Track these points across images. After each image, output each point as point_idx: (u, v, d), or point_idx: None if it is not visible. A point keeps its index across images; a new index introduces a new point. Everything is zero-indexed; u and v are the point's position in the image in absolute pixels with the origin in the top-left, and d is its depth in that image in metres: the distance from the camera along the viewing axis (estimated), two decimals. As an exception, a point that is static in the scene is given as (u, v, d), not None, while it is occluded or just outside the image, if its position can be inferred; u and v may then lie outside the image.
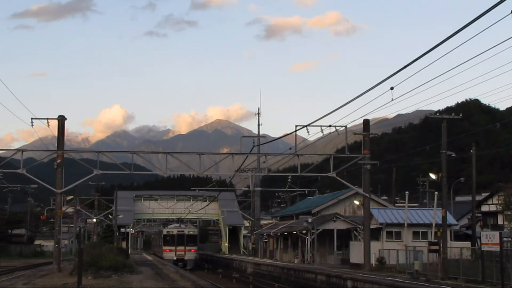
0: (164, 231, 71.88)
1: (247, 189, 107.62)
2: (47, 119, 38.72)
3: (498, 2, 16.15)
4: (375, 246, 43.12)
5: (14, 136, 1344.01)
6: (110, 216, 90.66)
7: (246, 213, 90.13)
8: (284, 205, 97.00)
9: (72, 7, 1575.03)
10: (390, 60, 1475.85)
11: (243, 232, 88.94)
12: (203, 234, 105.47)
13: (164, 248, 69.13)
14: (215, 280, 48.71)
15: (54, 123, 39.24)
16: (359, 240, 48.30)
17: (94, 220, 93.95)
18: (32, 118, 38.39)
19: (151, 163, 59.66)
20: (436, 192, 44.01)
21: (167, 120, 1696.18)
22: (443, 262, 34.19)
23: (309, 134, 38.77)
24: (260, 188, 78.27)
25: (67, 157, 41.45)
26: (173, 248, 67.78)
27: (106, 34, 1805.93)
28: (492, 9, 16.44)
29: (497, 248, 28.06)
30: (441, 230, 36.62)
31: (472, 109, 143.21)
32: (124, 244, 73.06)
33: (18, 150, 42.38)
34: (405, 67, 20.85)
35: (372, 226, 43.70)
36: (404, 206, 46.57)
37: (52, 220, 70.59)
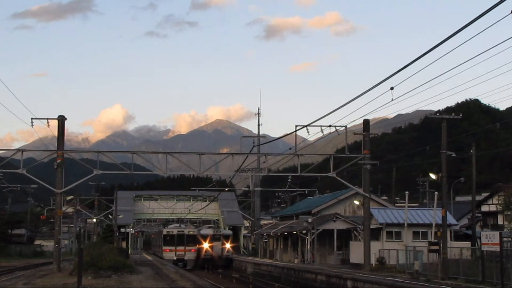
0: (164, 231, 71.91)
1: (247, 189, 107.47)
2: (47, 119, 38.74)
3: (498, 2, 16.15)
4: (375, 246, 43.12)
5: (14, 136, 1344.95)
6: (110, 216, 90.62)
7: (246, 213, 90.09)
8: (284, 205, 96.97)
9: (73, 7, 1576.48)
10: (390, 60, 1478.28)
11: (243, 232, 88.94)
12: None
13: (164, 248, 69.17)
14: (215, 280, 48.68)
15: (54, 123, 39.27)
16: (359, 240, 48.29)
17: (94, 220, 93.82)
18: (32, 118, 38.42)
19: (151, 163, 59.68)
20: (436, 192, 43.99)
21: (167, 120, 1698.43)
22: (443, 262, 34.19)
23: (309, 134, 38.80)
24: (260, 188, 78.25)
25: (67, 157, 41.46)
26: (173, 248, 67.84)
27: (107, 34, 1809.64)
28: (492, 9, 16.44)
29: (497, 248, 28.06)
30: (441, 230, 36.60)
31: (472, 109, 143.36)
32: (124, 244, 73.06)
33: (18, 150, 42.35)
34: (405, 67, 20.85)
35: (372, 226, 43.68)
36: (404, 206, 46.55)
37: (52, 220, 70.53)
